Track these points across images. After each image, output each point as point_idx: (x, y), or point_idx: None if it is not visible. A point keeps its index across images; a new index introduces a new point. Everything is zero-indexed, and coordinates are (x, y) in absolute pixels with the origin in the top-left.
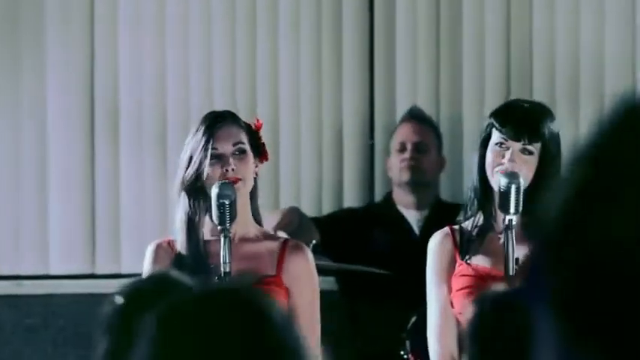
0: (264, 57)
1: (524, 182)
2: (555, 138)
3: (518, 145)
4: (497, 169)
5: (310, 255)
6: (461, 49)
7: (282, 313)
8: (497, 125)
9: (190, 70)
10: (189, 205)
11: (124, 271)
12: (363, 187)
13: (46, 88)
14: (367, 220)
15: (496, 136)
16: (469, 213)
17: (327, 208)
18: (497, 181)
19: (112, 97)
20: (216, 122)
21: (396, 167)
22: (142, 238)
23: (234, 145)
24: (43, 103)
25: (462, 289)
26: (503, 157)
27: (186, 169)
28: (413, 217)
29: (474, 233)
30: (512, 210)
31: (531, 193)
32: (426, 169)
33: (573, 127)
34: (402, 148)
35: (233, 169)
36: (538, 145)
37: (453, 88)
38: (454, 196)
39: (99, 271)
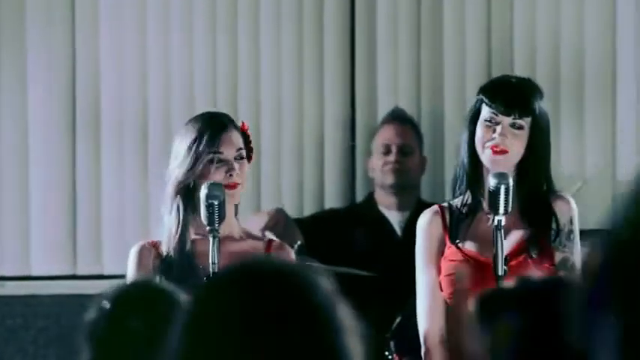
0: (246, 59)
1: (515, 156)
2: (544, 113)
3: (508, 120)
4: (488, 144)
5: (293, 255)
6: (441, 48)
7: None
8: (486, 101)
9: (171, 72)
10: (184, 206)
11: (106, 272)
12: (344, 188)
13: (27, 89)
14: (349, 221)
15: (486, 111)
16: (458, 192)
17: (308, 210)
18: (488, 157)
19: (92, 99)
20: (221, 127)
21: (379, 169)
22: (123, 238)
23: (237, 150)
24: (24, 104)
25: (449, 274)
26: (494, 132)
27: (188, 170)
28: (395, 218)
29: (464, 212)
30: (501, 210)
31: (523, 167)
32: (410, 172)
33: (554, 121)
34: (387, 151)
35: (237, 174)
36: (528, 119)
37: (434, 87)
38: (435, 195)
39: (80, 272)
